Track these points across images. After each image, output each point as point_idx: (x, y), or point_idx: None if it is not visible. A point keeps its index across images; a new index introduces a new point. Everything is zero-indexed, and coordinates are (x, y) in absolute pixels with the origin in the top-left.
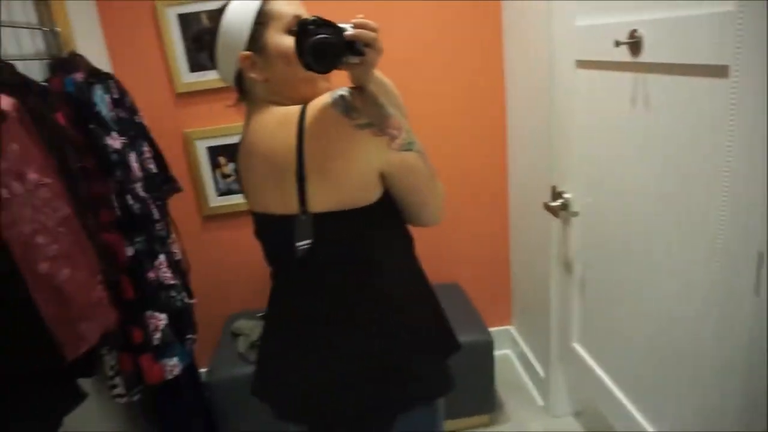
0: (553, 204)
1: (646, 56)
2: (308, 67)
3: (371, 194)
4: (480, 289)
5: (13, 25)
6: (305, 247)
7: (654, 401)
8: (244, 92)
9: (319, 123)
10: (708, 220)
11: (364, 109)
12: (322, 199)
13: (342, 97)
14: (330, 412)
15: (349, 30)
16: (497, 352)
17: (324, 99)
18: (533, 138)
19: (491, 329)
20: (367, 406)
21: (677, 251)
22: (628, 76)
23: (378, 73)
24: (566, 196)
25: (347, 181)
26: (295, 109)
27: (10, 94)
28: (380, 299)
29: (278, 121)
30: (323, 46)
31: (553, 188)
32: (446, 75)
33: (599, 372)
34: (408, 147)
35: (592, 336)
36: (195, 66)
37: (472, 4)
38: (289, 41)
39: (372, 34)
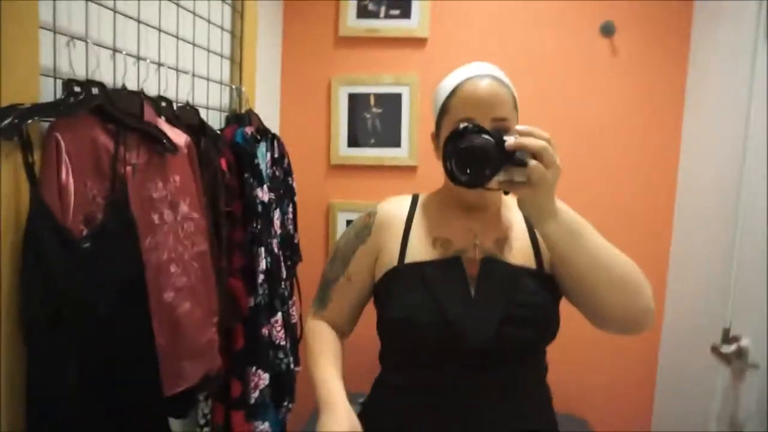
0: (725, 349)
1: None
2: (451, 176)
3: None
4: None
5: (207, 78)
6: None
7: None
8: None
9: None
10: None
11: None
12: None
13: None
14: None
15: (511, 140)
16: None
17: None
18: (705, 261)
19: None
20: None
21: None
22: None
23: (572, 217)
24: (744, 341)
25: None
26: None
27: (187, 133)
28: None
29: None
30: (468, 152)
31: (726, 330)
32: (607, 168)
33: None
34: None
35: None
36: (353, 141)
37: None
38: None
39: (539, 143)
